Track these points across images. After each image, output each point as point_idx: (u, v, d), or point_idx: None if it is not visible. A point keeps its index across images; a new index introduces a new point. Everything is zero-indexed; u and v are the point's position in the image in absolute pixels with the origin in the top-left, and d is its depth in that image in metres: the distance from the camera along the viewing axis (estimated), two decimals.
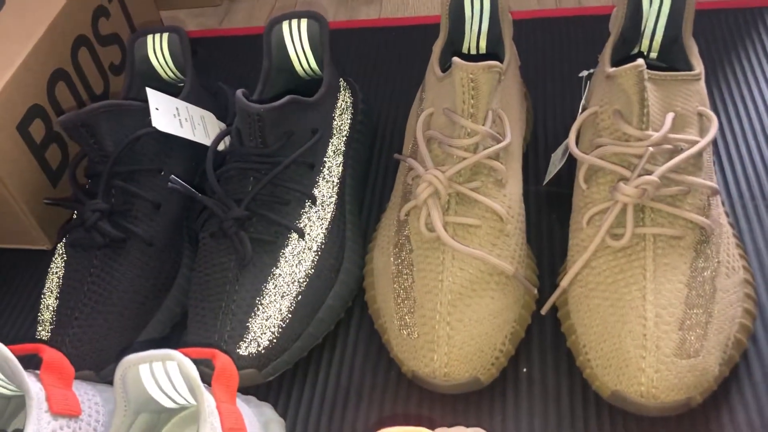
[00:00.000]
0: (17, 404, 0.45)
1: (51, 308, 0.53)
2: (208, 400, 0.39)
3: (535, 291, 0.51)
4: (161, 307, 0.54)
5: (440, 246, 0.49)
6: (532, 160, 0.63)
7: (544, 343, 0.51)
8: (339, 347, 0.53)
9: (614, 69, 0.48)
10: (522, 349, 0.50)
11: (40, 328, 0.53)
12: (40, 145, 0.63)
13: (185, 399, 0.41)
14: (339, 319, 0.54)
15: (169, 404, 0.42)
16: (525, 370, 0.49)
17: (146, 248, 0.54)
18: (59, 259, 0.55)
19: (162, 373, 0.39)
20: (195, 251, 0.57)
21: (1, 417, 0.45)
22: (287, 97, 0.53)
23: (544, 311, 0.50)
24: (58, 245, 0.56)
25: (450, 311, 0.47)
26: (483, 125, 0.50)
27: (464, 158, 0.50)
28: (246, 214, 0.51)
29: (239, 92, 0.52)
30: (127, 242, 0.54)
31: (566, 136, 0.57)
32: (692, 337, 0.43)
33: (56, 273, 0.55)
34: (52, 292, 0.54)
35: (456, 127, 0.50)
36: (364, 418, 0.49)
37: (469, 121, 0.50)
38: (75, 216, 0.57)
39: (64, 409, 0.42)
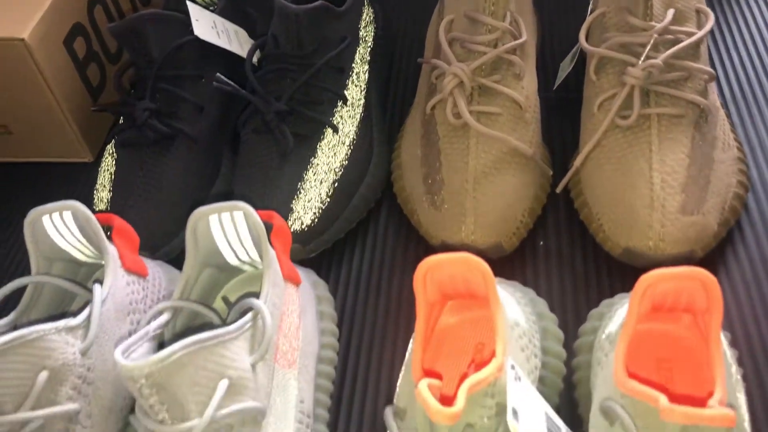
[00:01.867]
0: (87, 272, 0.50)
1: (105, 200, 0.58)
2: (271, 250, 0.44)
3: (550, 173, 0.56)
4: (207, 198, 0.59)
5: (466, 132, 0.54)
6: (541, 69, 0.68)
7: (559, 220, 0.56)
8: (372, 230, 0.58)
9: None
10: (539, 225, 0.55)
11: None
12: (83, 61, 0.67)
13: (248, 254, 0.46)
14: (370, 208, 0.59)
15: (232, 260, 0.47)
16: (542, 243, 0.55)
17: (192, 145, 0.59)
18: (110, 158, 0.60)
19: (230, 224, 0.44)
20: (235, 151, 0.62)
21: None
22: (319, 2, 0.57)
23: (559, 189, 0.55)
24: (107, 147, 0.61)
25: (475, 187, 0.52)
26: (503, 22, 0.55)
27: (485, 53, 0.55)
28: (286, 109, 0.56)
29: None
30: (174, 140, 0.58)
31: (571, 48, 0.63)
32: (693, 198, 0.49)
33: (108, 170, 0.59)
34: (104, 186, 0.59)
35: (477, 26, 0.55)
36: (397, 288, 0.54)
37: (490, 18, 0.55)
38: (122, 120, 0.61)
39: (134, 267, 0.47)
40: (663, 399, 0.33)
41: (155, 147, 0.58)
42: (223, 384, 0.37)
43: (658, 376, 0.42)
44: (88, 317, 0.42)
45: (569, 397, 0.45)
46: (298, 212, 0.54)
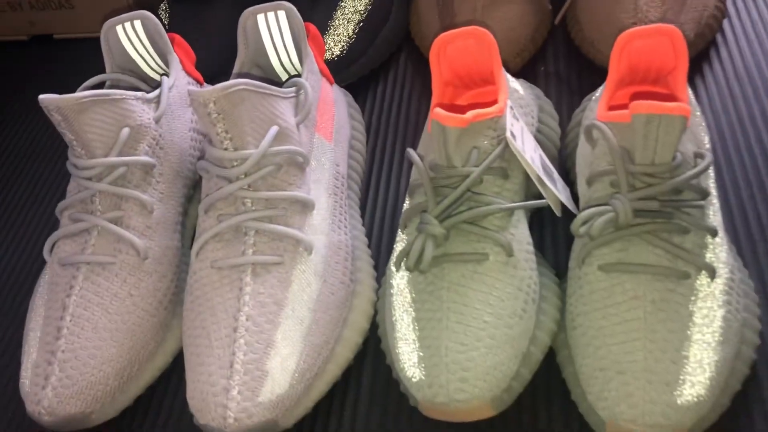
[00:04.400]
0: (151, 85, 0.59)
1: None
2: (308, 45, 0.52)
3: (549, 7, 0.64)
4: None
5: None
6: None
7: (558, 51, 0.64)
8: (393, 70, 0.66)
9: None
10: (539, 55, 0.63)
11: None
12: None
13: (288, 56, 0.54)
14: (392, 51, 0.67)
15: (275, 62, 0.55)
16: (543, 68, 0.63)
17: None
18: (163, 14, 0.69)
19: (274, 23, 0.52)
20: None
21: None
22: None
23: (557, 20, 0.63)
24: (161, 5, 0.70)
25: (483, 12, 0.60)
26: None
27: None
28: None
29: None
30: None
31: None
32: (672, 11, 0.56)
33: (162, 24, 0.68)
34: None
35: None
36: (415, 112, 0.62)
37: None
38: None
39: (192, 73, 0.56)
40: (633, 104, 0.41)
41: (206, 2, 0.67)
42: (274, 128, 0.46)
43: None
44: (159, 95, 0.51)
45: (563, 171, 0.53)
46: (329, 44, 0.62)
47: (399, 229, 0.46)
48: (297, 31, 0.52)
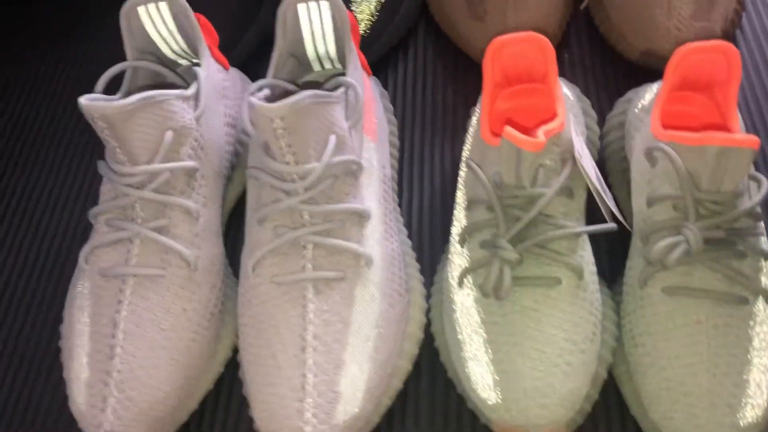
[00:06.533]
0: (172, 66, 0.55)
1: None
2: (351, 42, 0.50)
3: None
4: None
5: None
6: None
7: (581, 35, 0.63)
8: (412, 47, 0.65)
9: None
10: (562, 41, 0.63)
11: None
12: None
13: (325, 47, 0.52)
14: (410, 26, 0.65)
15: (311, 52, 0.52)
16: (566, 55, 0.62)
17: None
18: None
19: (316, 14, 0.49)
20: None
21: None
22: None
23: (583, 6, 0.62)
24: None
25: None
26: None
27: None
28: None
29: None
30: None
31: None
32: (703, 7, 0.57)
33: None
34: None
35: None
36: (441, 94, 0.61)
37: None
38: None
39: (219, 59, 0.53)
40: (698, 135, 0.41)
41: None
42: (333, 138, 0.44)
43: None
44: (197, 90, 0.47)
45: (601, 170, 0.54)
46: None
47: (454, 242, 0.46)
48: (340, 24, 0.50)
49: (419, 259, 0.51)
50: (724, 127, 0.48)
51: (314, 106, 0.42)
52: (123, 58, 0.50)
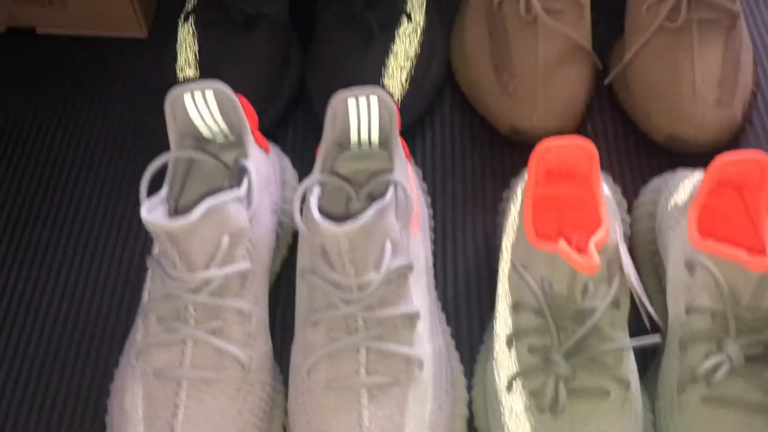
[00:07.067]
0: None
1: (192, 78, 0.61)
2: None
3: (601, 67, 0.64)
4: (287, 76, 0.64)
5: (534, 26, 0.60)
6: None
7: (603, 111, 0.65)
8: (438, 116, 0.65)
9: None
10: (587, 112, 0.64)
11: None
12: None
13: (369, 135, 0.52)
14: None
15: (354, 138, 0.52)
16: (590, 126, 0.64)
17: (274, 27, 0.63)
18: (190, 37, 0.62)
19: (364, 107, 0.50)
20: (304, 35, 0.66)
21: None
22: None
23: (607, 81, 0.63)
24: (185, 26, 0.63)
25: (545, 77, 0.59)
26: None
27: None
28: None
29: None
30: (258, 22, 0.62)
31: None
32: (726, 93, 0.59)
33: (190, 48, 0.62)
34: (189, 65, 0.61)
35: None
36: (471, 166, 0.62)
37: None
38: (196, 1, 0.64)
39: (261, 143, 0.53)
40: (743, 253, 0.43)
41: (239, 29, 0.61)
42: (389, 245, 0.45)
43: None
44: (249, 186, 0.48)
45: None
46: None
47: (500, 340, 0.48)
48: (387, 120, 0.50)
49: (454, 335, 0.52)
50: (753, 229, 0.50)
51: (378, 219, 0.43)
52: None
